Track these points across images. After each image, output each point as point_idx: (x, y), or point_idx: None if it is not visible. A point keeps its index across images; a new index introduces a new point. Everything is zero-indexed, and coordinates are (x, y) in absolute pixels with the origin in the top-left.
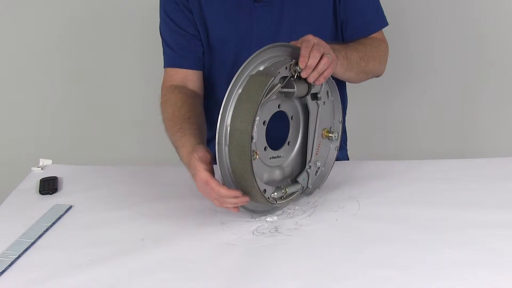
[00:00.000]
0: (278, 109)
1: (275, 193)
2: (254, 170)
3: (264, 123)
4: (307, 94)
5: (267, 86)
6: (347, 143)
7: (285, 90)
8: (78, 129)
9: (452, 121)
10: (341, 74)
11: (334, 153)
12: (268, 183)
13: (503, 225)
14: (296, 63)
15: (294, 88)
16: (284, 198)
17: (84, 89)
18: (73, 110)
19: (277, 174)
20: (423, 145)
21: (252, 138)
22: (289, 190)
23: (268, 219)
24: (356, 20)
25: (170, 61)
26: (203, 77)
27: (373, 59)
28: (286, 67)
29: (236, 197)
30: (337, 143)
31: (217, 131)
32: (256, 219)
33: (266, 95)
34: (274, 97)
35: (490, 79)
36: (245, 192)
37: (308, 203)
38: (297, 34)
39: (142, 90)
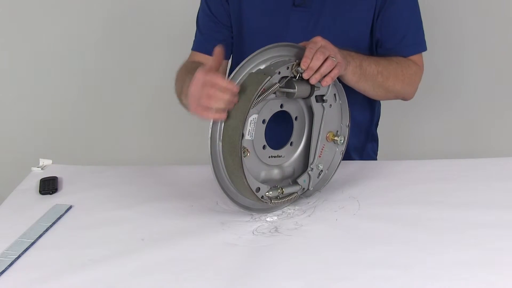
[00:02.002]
0: (280, 109)
1: (270, 192)
2: (247, 167)
3: (263, 121)
4: (310, 96)
5: (262, 84)
6: (378, 152)
7: (285, 90)
8: (78, 129)
9: (452, 121)
10: (353, 83)
11: (339, 157)
12: (266, 181)
13: (503, 225)
14: (299, 64)
15: (295, 88)
16: (280, 198)
17: (84, 89)
18: (73, 110)
19: (276, 173)
20: (424, 145)
21: (242, 135)
22: (287, 190)
23: (268, 219)
24: (391, 42)
25: (197, 45)
26: (228, 68)
27: (395, 77)
28: (288, 67)
29: (231, 89)
30: (343, 148)
31: (210, 126)
32: (256, 219)
33: (261, 94)
34: (273, 96)
35: (491, 79)
36: (236, 188)
37: (308, 203)
38: (331, 42)
39: (142, 90)
